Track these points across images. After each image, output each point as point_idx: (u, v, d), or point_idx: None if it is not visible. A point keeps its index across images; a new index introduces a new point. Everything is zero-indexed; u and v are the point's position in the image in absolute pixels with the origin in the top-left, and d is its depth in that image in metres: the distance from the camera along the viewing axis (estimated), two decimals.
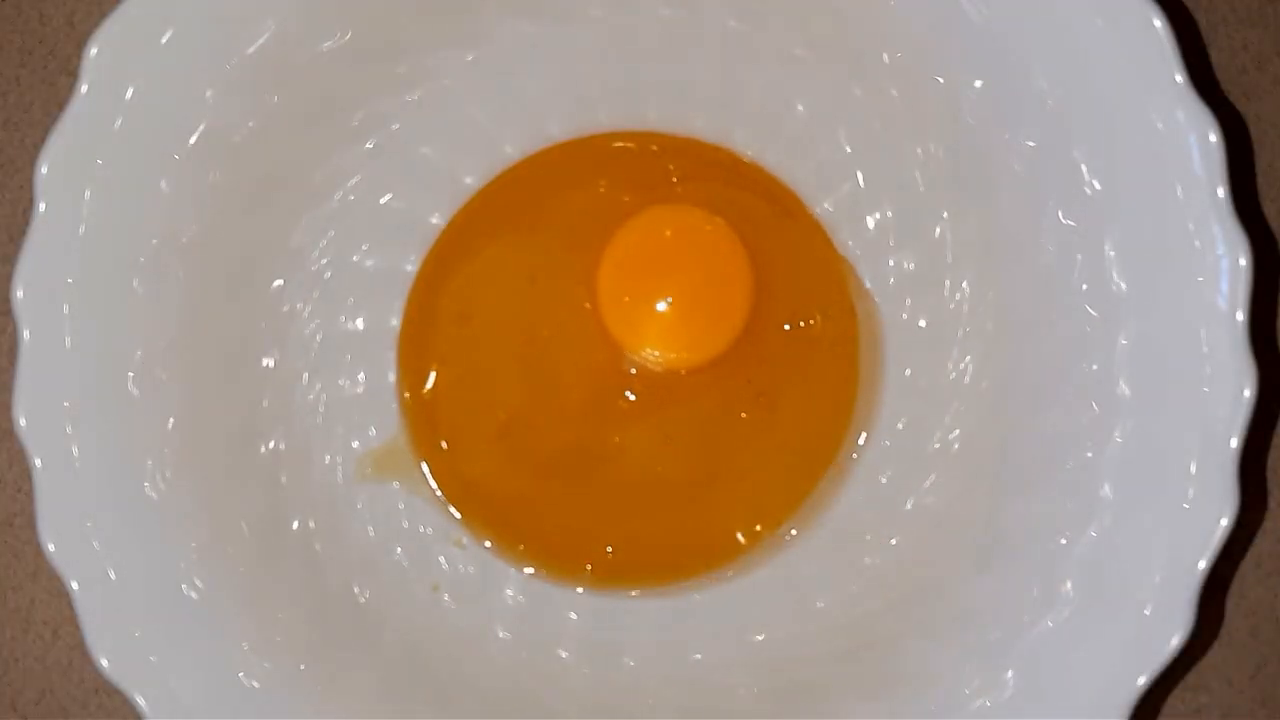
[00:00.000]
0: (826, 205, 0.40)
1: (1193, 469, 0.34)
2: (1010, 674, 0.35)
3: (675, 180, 0.41)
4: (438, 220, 0.41)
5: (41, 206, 0.35)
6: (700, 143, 0.41)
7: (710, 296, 0.39)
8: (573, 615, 0.40)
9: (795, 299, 0.40)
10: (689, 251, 0.39)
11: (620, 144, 0.41)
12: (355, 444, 0.40)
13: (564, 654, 0.39)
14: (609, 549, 0.40)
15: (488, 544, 0.40)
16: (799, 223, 0.40)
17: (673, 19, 0.40)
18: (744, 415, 0.40)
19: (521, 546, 0.40)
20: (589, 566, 0.40)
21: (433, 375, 0.41)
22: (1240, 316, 0.34)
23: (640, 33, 0.40)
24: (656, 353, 0.39)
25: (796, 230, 0.40)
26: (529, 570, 0.40)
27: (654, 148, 0.41)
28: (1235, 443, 0.34)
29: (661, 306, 0.39)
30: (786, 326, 0.40)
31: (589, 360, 0.40)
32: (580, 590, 0.40)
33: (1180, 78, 0.34)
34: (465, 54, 0.40)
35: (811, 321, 0.39)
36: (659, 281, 0.39)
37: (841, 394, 0.40)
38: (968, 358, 0.39)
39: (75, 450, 0.36)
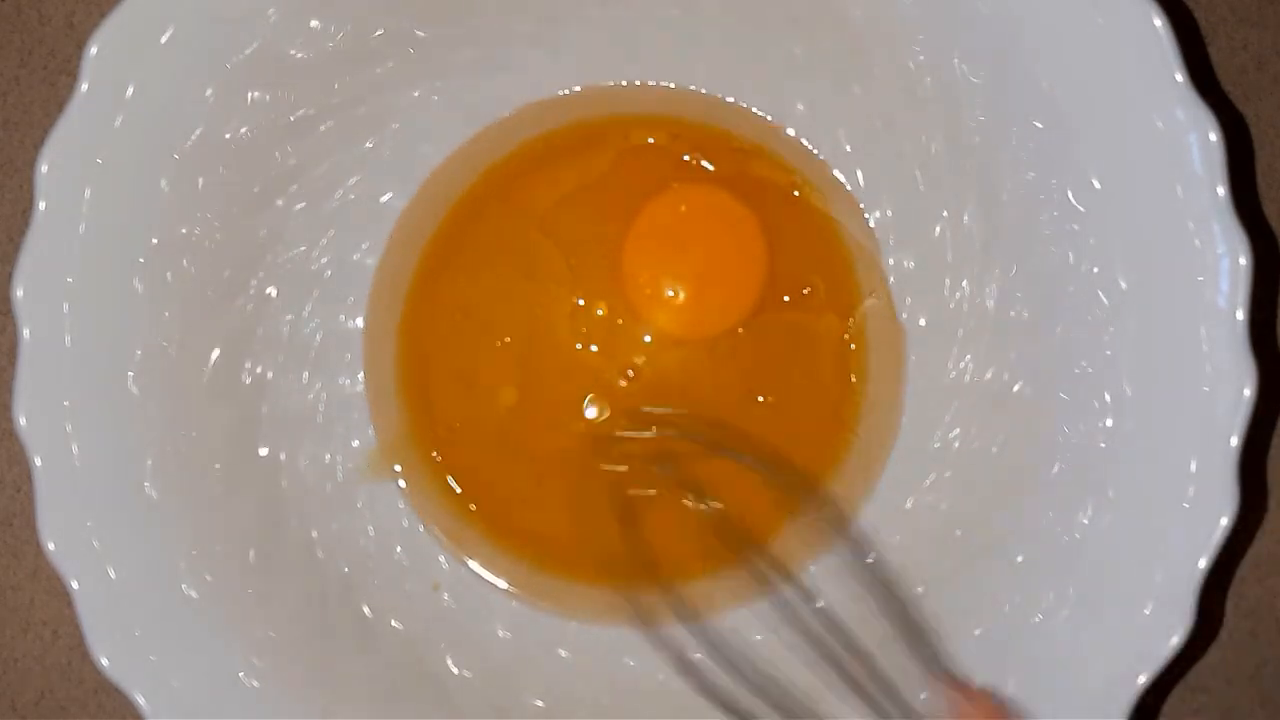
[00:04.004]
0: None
1: (1193, 468, 0.34)
2: (1010, 673, 0.35)
3: (687, 161, 0.41)
4: (437, 218, 0.41)
5: (41, 205, 0.35)
6: (708, 126, 0.41)
7: (725, 273, 0.40)
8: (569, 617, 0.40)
9: (796, 274, 0.40)
10: (709, 229, 0.40)
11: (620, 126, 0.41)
12: (355, 442, 0.40)
13: (564, 653, 0.39)
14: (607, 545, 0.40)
15: (485, 541, 0.40)
16: (808, 206, 0.41)
17: (671, 19, 0.40)
18: (744, 414, 0.40)
19: (518, 542, 0.40)
20: (586, 564, 0.40)
21: (431, 371, 0.41)
22: (1240, 315, 0.34)
23: (639, 33, 0.40)
24: (672, 321, 0.40)
25: (804, 213, 0.41)
26: (530, 570, 0.40)
27: (659, 136, 0.41)
28: (1235, 441, 0.34)
29: (678, 279, 0.40)
30: (786, 298, 0.40)
31: (585, 354, 0.40)
32: (580, 588, 0.40)
33: (1180, 77, 0.34)
34: (465, 52, 0.40)
35: (808, 290, 0.40)
36: (679, 255, 0.40)
37: (843, 388, 0.40)
38: (967, 357, 0.39)
39: (75, 449, 0.36)
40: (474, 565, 0.40)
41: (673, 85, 0.41)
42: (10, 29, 0.42)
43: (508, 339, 0.41)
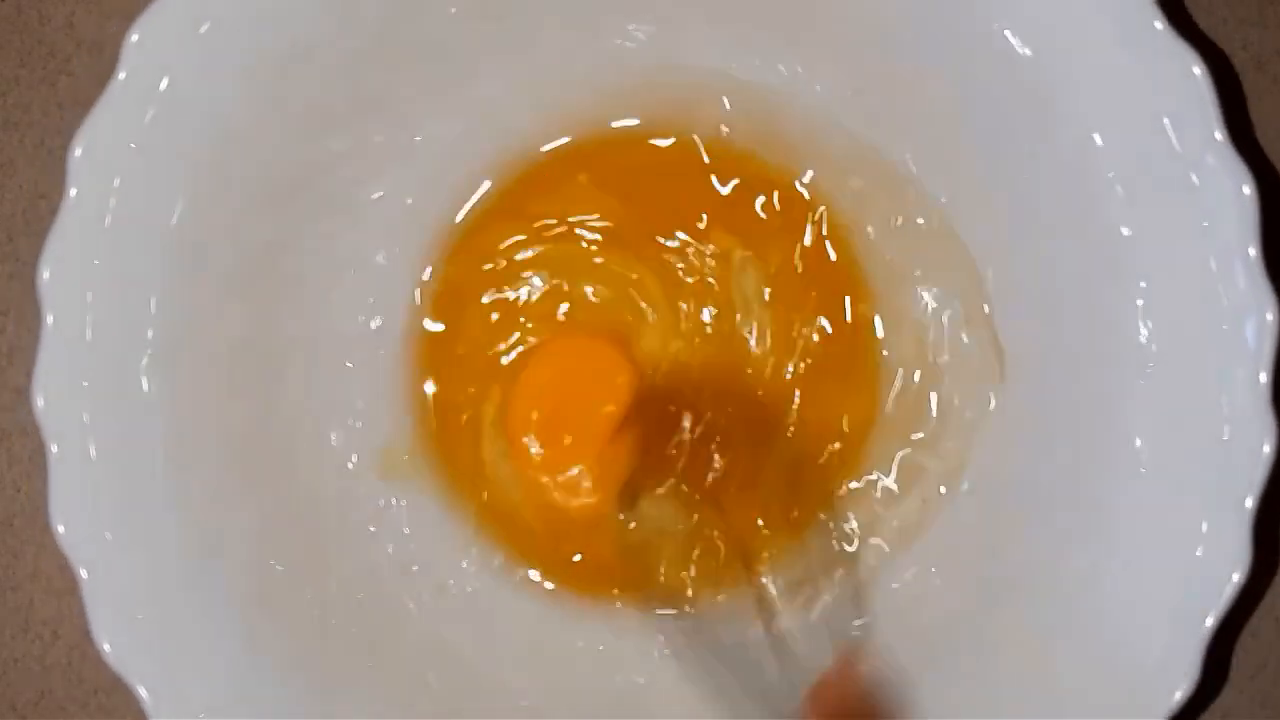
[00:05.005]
0: None
1: (1205, 527, 0.34)
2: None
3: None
4: (462, 222, 0.41)
5: (73, 192, 0.35)
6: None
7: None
8: (583, 623, 0.40)
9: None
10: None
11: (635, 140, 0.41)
12: (368, 443, 0.40)
13: (576, 661, 0.39)
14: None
15: (500, 552, 0.40)
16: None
17: (701, 28, 0.40)
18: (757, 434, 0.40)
19: (535, 552, 0.40)
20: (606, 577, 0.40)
21: (448, 376, 0.41)
22: (1264, 377, 0.34)
23: (666, 40, 0.40)
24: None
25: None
26: (539, 576, 0.40)
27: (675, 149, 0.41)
28: (1251, 502, 0.33)
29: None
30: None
31: (605, 362, 0.40)
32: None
33: (1220, 135, 0.34)
34: (501, 58, 0.40)
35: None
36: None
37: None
38: (983, 397, 0.39)
39: (91, 435, 0.36)
40: (486, 570, 0.40)
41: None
42: (10, 29, 0.41)
43: (535, 340, 0.41)
